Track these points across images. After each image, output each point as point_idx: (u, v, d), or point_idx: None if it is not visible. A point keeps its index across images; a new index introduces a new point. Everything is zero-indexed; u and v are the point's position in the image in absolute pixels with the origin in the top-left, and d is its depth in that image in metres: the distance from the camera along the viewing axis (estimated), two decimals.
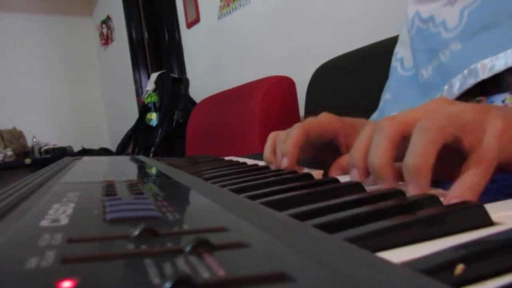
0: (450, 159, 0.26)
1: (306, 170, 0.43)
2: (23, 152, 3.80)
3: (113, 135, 4.00)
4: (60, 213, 0.20)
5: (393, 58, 0.63)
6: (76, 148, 3.79)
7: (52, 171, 0.45)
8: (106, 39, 3.94)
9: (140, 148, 2.60)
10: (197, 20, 2.51)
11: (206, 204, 0.24)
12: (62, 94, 4.11)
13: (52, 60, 4.06)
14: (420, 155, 0.25)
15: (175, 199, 0.26)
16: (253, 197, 0.26)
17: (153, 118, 2.52)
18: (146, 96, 2.60)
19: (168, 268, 0.12)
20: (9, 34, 3.88)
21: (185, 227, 0.18)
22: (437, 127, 0.26)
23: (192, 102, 2.42)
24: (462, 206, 0.20)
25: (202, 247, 0.13)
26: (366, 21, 1.44)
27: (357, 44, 1.26)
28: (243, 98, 1.76)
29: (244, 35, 2.11)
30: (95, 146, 3.81)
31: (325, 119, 0.47)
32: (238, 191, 0.29)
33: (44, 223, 0.18)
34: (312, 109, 1.35)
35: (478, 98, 0.45)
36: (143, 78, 3.41)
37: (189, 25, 2.61)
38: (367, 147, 0.30)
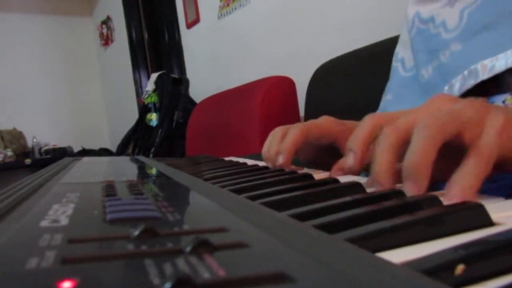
0: (449, 160, 0.26)
1: (315, 174, 0.43)
2: (23, 152, 3.80)
3: (113, 135, 4.00)
4: (60, 213, 0.20)
5: (394, 59, 0.63)
6: (76, 149, 3.79)
7: (52, 171, 0.45)
8: (106, 40, 3.94)
9: (140, 149, 2.60)
10: (197, 20, 2.51)
11: (206, 205, 0.24)
12: (62, 95, 4.11)
13: (52, 60, 4.06)
14: (420, 152, 0.25)
15: (175, 200, 0.26)
16: (253, 198, 0.26)
17: (153, 118, 2.53)
18: (146, 96, 2.61)
19: (168, 268, 0.12)
20: (9, 34, 3.88)
21: (185, 227, 0.18)
22: (437, 125, 0.25)
23: (192, 102, 2.43)
24: (462, 206, 0.20)
25: (202, 247, 0.13)
26: (366, 21, 1.44)
27: (357, 44, 1.26)
28: (243, 98, 1.76)
29: (244, 35, 2.12)
30: (95, 146, 3.81)
31: (325, 123, 0.47)
32: (238, 191, 0.29)
33: (44, 223, 0.18)
34: (312, 109, 1.35)
35: (478, 99, 0.45)
36: (143, 79, 3.41)
37: (189, 25, 2.61)
38: (367, 137, 0.31)
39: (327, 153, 0.50)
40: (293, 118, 1.63)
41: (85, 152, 3.55)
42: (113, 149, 3.58)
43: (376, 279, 0.11)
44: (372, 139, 0.31)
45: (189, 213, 0.22)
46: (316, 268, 0.12)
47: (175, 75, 2.67)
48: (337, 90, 1.27)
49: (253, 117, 1.63)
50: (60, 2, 4.13)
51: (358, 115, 0.55)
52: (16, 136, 3.80)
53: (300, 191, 0.28)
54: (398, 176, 0.28)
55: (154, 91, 2.55)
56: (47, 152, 3.76)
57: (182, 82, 2.54)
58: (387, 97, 0.62)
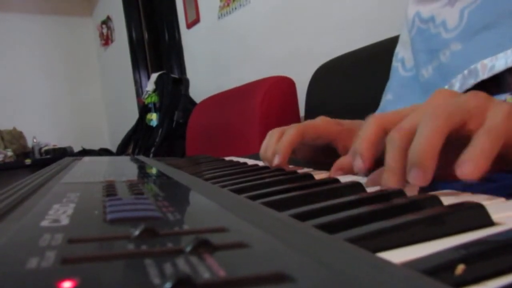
0: (452, 155, 0.26)
1: (315, 174, 0.43)
2: (23, 152, 3.80)
3: (113, 135, 4.00)
4: (61, 213, 0.20)
5: (394, 59, 0.63)
6: (76, 149, 3.79)
7: (52, 171, 0.45)
8: (106, 40, 3.94)
9: (140, 149, 2.60)
10: (197, 20, 2.51)
11: (207, 205, 0.24)
12: (62, 95, 4.11)
13: (52, 60, 4.06)
14: (427, 140, 0.25)
15: (175, 200, 0.26)
16: (253, 197, 0.26)
17: (153, 118, 2.53)
18: (146, 96, 2.61)
19: (168, 268, 0.12)
20: (9, 35, 3.88)
21: (186, 227, 0.18)
22: (443, 115, 0.25)
23: (192, 103, 2.43)
24: (462, 206, 0.20)
25: (203, 247, 0.13)
26: (366, 21, 1.44)
27: (357, 44, 1.26)
28: (243, 98, 1.76)
29: (244, 35, 2.12)
30: (95, 146, 3.81)
31: (321, 123, 0.47)
32: (238, 191, 0.29)
33: (45, 223, 0.18)
34: (312, 109, 1.35)
35: None
36: (143, 79, 3.41)
37: (189, 25, 2.61)
38: (373, 138, 0.30)
39: (325, 153, 0.50)
40: (293, 118, 1.63)
41: (85, 152, 3.55)
42: (113, 149, 3.58)
43: (376, 279, 0.11)
44: (378, 140, 0.30)
45: (189, 213, 0.22)
46: (316, 268, 0.12)
47: (175, 75, 2.67)
48: (337, 90, 1.27)
49: (253, 117, 1.63)
50: (60, 2, 4.13)
51: (358, 115, 0.55)
52: (16, 136, 3.80)
53: (300, 191, 0.28)
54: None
55: (154, 91, 2.55)
56: (47, 152, 3.76)
57: (182, 82, 2.53)
58: (387, 97, 0.62)
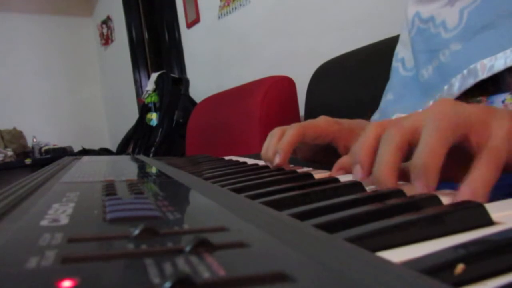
0: (454, 160, 0.26)
1: (315, 173, 0.43)
2: (23, 152, 3.80)
3: (113, 135, 4.00)
4: (60, 212, 0.20)
5: (394, 59, 0.63)
6: (76, 148, 3.79)
7: (52, 170, 0.45)
8: (106, 39, 3.94)
9: (140, 148, 2.60)
10: (197, 20, 2.51)
11: (206, 204, 0.24)
12: (62, 94, 4.11)
13: (52, 60, 4.06)
14: (430, 152, 0.25)
15: (175, 199, 0.26)
16: (253, 197, 0.26)
17: (153, 118, 2.53)
18: (146, 96, 2.61)
19: (168, 268, 0.12)
20: (9, 35, 3.89)
21: (185, 226, 0.18)
22: (447, 126, 0.25)
23: (192, 102, 2.43)
24: (462, 205, 0.20)
25: (202, 246, 0.13)
26: (366, 21, 1.44)
27: (357, 44, 1.26)
28: (243, 98, 1.76)
29: (244, 35, 2.12)
30: (95, 146, 3.81)
31: (322, 123, 0.47)
32: (238, 190, 0.29)
33: (44, 222, 0.18)
34: (312, 109, 1.35)
35: (477, 98, 0.45)
36: (143, 78, 3.41)
37: (189, 25, 2.61)
38: (373, 147, 0.30)
39: (325, 152, 0.50)
40: (293, 118, 1.63)
41: (85, 152, 3.55)
42: (113, 149, 3.58)
43: (376, 278, 0.11)
44: (377, 148, 0.30)
45: (189, 213, 0.22)
46: (316, 267, 0.12)
47: (175, 75, 2.67)
48: (337, 90, 1.27)
49: (253, 117, 1.63)
50: (60, 2, 4.13)
51: (358, 115, 0.55)
52: (16, 136, 3.80)
53: (300, 190, 0.28)
54: (403, 175, 0.28)
55: (154, 90, 2.55)
56: (47, 151, 3.76)
57: (182, 82, 2.54)
58: (388, 97, 0.62)
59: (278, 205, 0.23)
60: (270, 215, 0.19)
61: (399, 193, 0.25)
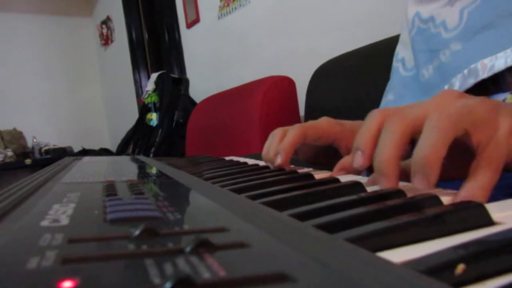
0: (454, 157, 0.26)
1: (316, 174, 0.43)
2: (24, 152, 3.80)
3: (113, 135, 4.00)
4: (61, 213, 0.20)
5: (394, 59, 0.63)
6: (76, 149, 3.79)
7: (52, 171, 0.45)
8: (106, 40, 3.94)
9: (140, 148, 2.60)
10: (197, 20, 2.51)
11: (207, 204, 0.24)
12: (62, 95, 4.11)
13: (52, 60, 4.06)
14: (431, 147, 0.25)
15: (175, 199, 0.26)
16: (253, 197, 0.26)
17: (153, 118, 2.53)
18: (146, 96, 2.61)
19: (168, 268, 0.12)
20: (9, 35, 3.88)
21: (186, 227, 0.18)
22: (449, 121, 0.25)
23: (192, 102, 2.43)
24: (462, 205, 0.20)
25: (203, 247, 0.13)
26: (366, 21, 1.44)
27: (357, 44, 1.26)
28: (243, 98, 1.76)
29: (244, 35, 2.12)
30: (95, 146, 3.81)
31: (324, 124, 0.47)
32: (238, 191, 0.29)
33: (45, 223, 0.18)
34: (312, 109, 1.35)
35: None
36: (143, 78, 3.41)
37: (189, 25, 2.61)
38: (375, 134, 0.29)
39: (326, 153, 0.50)
40: (293, 118, 1.63)
41: (85, 152, 3.55)
42: (113, 149, 3.58)
43: (376, 278, 0.11)
44: (379, 136, 0.30)
45: (189, 213, 0.22)
46: (316, 268, 0.12)
47: (175, 75, 2.67)
48: (337, 90, 1.27)
49: (253, 117, 1.63)
50: (60, 3, 4.13)
51: (358, 115, 0.55)
52: (16, 136, 3.80)
53: (300, 191, 0.28)
54: (404, 173, 0.28)
55: (154, 91, 2.55)
56: (47, 152, 3.76)
57: (182, 82, 2.54)
58: (388, 97, 0.62)
59: (278, 206, 0.23)
60: (270, 215, 0.19)
61: (399, 193, 0.25)
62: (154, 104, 2.55)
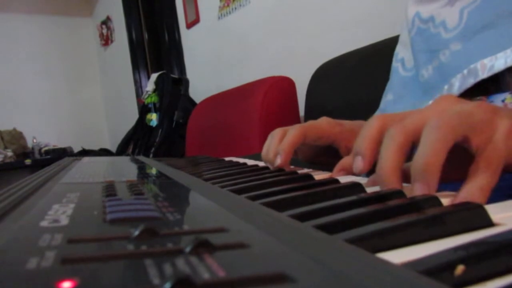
0: (454, 159, 0.26)
1: (315, 174, 0.43)
2: (23, 152, 3.80)
3: (113, 135, 4.00)
4: (60, 213, 0.20)
5: (394, 59, 0.63)
6: (76, 149, 3.79)
7: (52, 171, 0.45)
8: (106, 40, 3.94)
9: (140, 149, 2.60)
10: (197, 21, 2.51)
11: (206, 205, 0.24)
12: (62, 95, 4.11)
13: (52, 61, 4.06)
14: (431, 153, 0.25)
15: (175, 200, 0.26)
16: (253, 198, 0.26)
17: (153, 118, 2.53)
18: (146, 96, 2.61)
19: (168, 268, 0.12)
20: (9, 35, 3.89)
21: (185, 227, 0.18)
22: (448, 127, 0.25)
23: (192, 103, 2.43)
24: (462, 207, 0.20)
25: (202, 247, 0.13)
26: (366, 21, 1.44)
27: (357, 44, 1.26)
28: (243, 98, 1.76)
29: (244, 35, 2.12)
30: (95, 146, 3.81)
31: (324, 124, 0.47)
32: (238, 191, 0.29)
33: (44, 223, 0.18)
34: (312, 109, 1.35)
35: (478, 98, 0.45)
36: (143, 79, 3.41)
37: (189, 26, 2.61)
38: (375, 139, 0.30)
39: (326, 153, 0.50)
40: (293, 118, 1.63)
41: (85, 153, 3.55)
42: (113, 149, 3.58)
43: (376, 279, 0.11)
44: (379, 141, 0.30)
45: (189, 213, 0.22)
46: (316, 268, 0.12)
47: (175, 75, 2.67)
48: (337, 90, 1.27)
49: (253, 117, 1.63)
50: (60, 3, 4.13)
51: (358, 115, 0.55)
52: (16, 137, 3.80)
53: (300, 191, 0.28)
54: (403, 176, 0.28)
55: (154, 91, 2.55)
56: (47, 152, 3.76)
57: (182, 82, 2.54)
58: (388, 97, 0.62)
59: (278, 206, 0.23)
60: (270, 216, 0.19)
61: (399, 194, 0.25)
62: (154, 104, 2.55)
